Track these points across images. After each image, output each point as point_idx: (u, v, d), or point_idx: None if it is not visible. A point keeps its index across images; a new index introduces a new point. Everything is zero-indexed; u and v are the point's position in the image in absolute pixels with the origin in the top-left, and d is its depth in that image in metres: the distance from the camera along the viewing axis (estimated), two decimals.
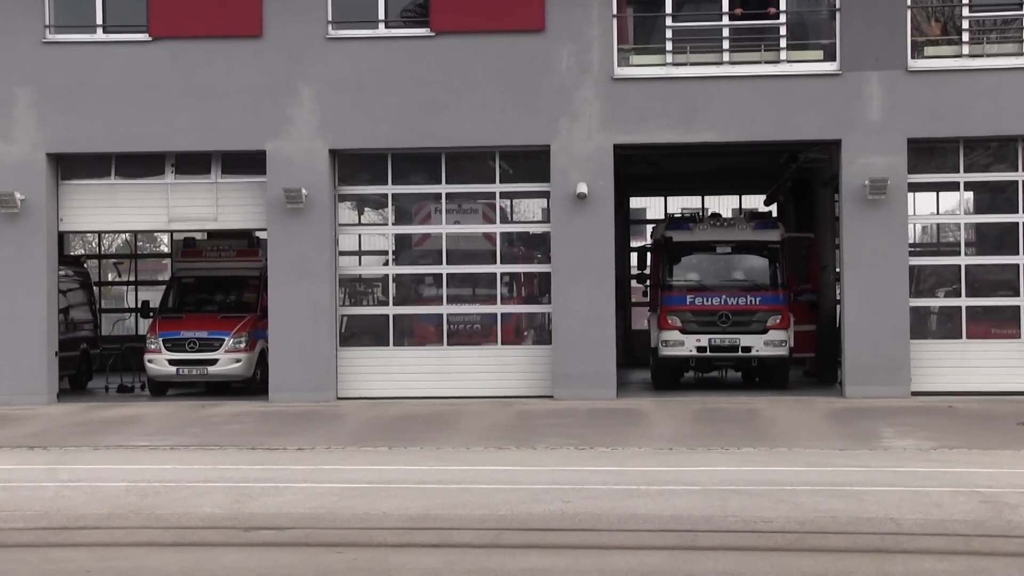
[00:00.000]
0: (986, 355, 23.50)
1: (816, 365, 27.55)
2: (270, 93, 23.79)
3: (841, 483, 13.91)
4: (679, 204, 36.41)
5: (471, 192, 24.63)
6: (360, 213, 26.61)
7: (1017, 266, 23.79)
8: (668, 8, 23.84)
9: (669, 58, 23.75)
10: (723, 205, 35.84)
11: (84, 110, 24.00)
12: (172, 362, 25.28)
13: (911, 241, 24.77)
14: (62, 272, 26.18)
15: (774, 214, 32.30)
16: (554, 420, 20.48)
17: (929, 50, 23.59)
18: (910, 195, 23.70)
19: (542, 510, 12.59)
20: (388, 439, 18.38)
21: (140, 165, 24.74)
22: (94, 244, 40.13)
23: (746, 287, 25.25)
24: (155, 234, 41.84)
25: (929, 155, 23.88)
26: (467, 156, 24.40)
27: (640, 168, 29.43)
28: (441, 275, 24.55)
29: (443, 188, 24.44)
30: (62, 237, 29.03)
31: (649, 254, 27.95)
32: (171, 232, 29.15)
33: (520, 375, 23.99)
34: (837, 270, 25.25)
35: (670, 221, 27.21)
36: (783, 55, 23.65)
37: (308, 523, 12.18)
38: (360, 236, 27.61)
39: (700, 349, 24.92)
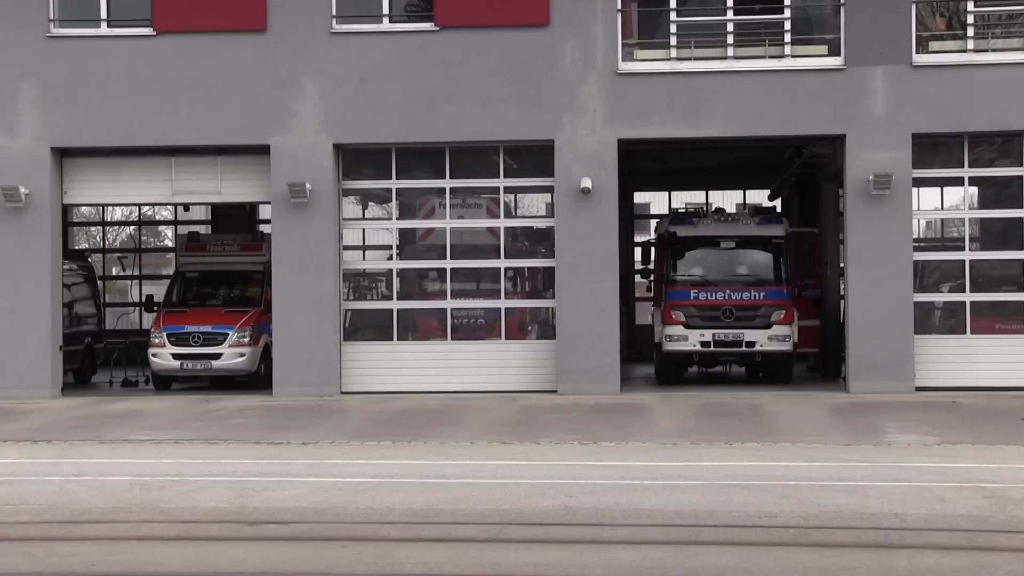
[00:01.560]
0: (990, 350, 23.46)
1: (820, 360, 27.50)
2: (274, 88, 23.76)
3: (845, 478, 13.91)
4: (683, 199, 36.45)
5: (475, 187, 24.62)
6: (364, 207, 26.62)
7: (1022, 261, 23.77)
8: (672, 3, 23.80)
9: (673, 53, 23.69)
10: (727, 200, 35.84)
11: (88, 105, 23.98)
12: (176, 356, 25.23)
13: (915, 236, 24.72)
14: (66, 266, 26.14)
15: (778, 209, 32.30)
16: (558, 415, 20.48)
17: (934, 45, 23.55)
18: (914, 190, 23.66)
19: (545, 505, 12.59)
20: (392, 434, 18.39)
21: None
22: (98, 238, 40.14)
23: (750, 282, 25.22)
24: (158, 227, 41.98)
25: (933, 150, 23.83)
26: (471, 151, 24.39)
27: (644, 163, 29.41)
28: (445, 270, 24.53)
29: (447, 183, 24.43)
30: (66, 231, 29.04)
31: (653, 249, 27.92)
32: (175, 205, 29.00)
33: (524, 370, 23.98)
34: (841, 265, 25.24)
35: (674, 216, 27.20)
36: (787, 50, 23.61)
37: (312, 517, 12.19)
38: (364, 231, 27.62)
39: (704, 344, 24.89)
